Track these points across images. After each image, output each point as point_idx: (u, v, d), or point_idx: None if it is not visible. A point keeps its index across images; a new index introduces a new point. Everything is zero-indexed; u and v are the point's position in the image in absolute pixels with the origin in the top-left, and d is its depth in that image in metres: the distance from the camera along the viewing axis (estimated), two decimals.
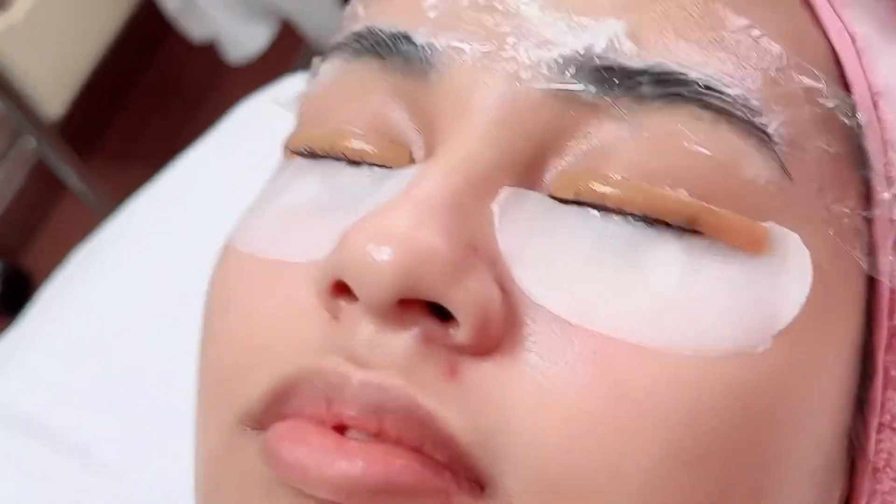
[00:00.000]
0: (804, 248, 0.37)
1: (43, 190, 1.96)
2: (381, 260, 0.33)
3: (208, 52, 1.82)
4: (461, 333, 0.34)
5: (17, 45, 1.37)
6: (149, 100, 2.04)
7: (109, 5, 1.51)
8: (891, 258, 0.39)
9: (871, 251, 0.39)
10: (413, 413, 0.34)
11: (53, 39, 1.43)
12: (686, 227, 0.36)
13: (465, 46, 0.38)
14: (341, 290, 0.35)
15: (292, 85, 0.78)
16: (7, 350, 0.71)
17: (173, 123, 1.93)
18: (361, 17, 0.42)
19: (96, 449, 0.62)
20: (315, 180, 0.41)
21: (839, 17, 0.41)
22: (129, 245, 0.72)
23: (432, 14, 0.39)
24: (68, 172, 1.52)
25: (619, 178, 0.36)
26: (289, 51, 1.80)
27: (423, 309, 0.34)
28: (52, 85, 1.45)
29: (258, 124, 0.76)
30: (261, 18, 1.66)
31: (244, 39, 1.67)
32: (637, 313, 0.35)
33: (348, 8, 0.50)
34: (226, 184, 0.72)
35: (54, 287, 0.74)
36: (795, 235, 0.37)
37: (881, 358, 0.40)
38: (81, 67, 1.49)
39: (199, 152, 0.78)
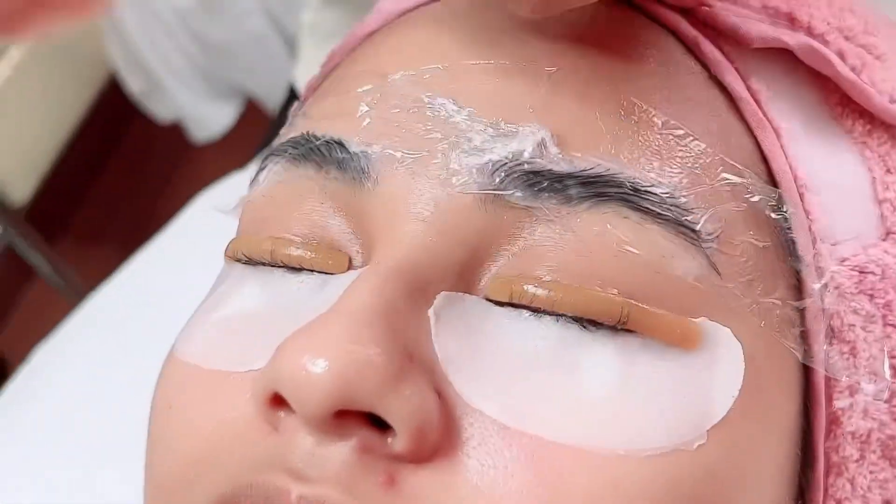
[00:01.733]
0: (736, 341, 0.37)
1: (13, 275, 1.95)
2: (316, 373, 0.33)
3: (175, 131, 1.83)
4: (398, 442, 0.34)
5: None
6: (116, 181, 2.04)
7: (73, 89, 1.52)
8: (825, 347, 0.39)
9: (805, 340, 0.40)
10: None
11: (17, 125, 1.44)
12: (618, 327, 0.36)
13: (398, 154, 0.39)
14: (279, 401, 0.35)
15: (238, 183, 0.79)
16: None
17: (142, 204, 1.93)
18: (299, 125, 0.43)
19: None
20: (255, 288, 0.41)
21: (763, 112, 0.41)
22: (91, 341, 0.72)
23: (366, 122, 0.40)
24: (37, 258, 1.52)
25: (551, 279, 0.37)
26: (256, 126, 1.81)
27: (360, 419, 0.35)
28: (18, 170, 1.45)
29: (213, 219, 0.77)
30: (225, 97, 1.67)
31: (209, 118, 1.68)
32: (572, 415, 0.35)
33: (290, 115, 0.50)
34: (183, 279, 0.72)
35: (18, 381, 0.74)
36: (727, 329, 0.37)
37: (821, 444, 0.40)
38: (47, 151, 1.50)
39: (158, 245, 0.78)
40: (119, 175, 2.04)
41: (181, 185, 1.85)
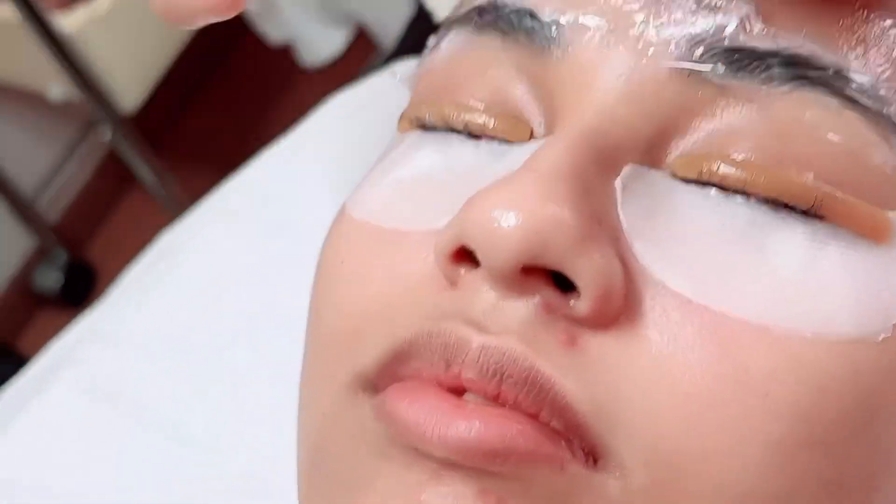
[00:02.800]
0: None
1: (111, 184, 1.98)
2: (508, 225, 0.33)
3: (281, 55, 1.84)
4: (582, 304, 0.34)
5: (99, 37, 1.39)
6: (221, 99, 2.07)
7: None
8: None
9: None
10: (532, 379, 0.34)
11: (134, 34, 1.45)
12: (809, 212, 0.36)
13: (592, 23, 0.38)
14: (462, 257, 0.35)
15: (372, 86, 0.78)
16: (94, 323, 0.71)
17: (244, 125, 1.95)
18: None
19: (183, 421, 0.63)
20: (434, 152, 0.41)
21: None
22: (220, 230, 0.73)
23: None
24: (140, 165, 1.54)
25: (743, 159, 0.36)
26: (361, 56, 1.82)
27: (544, 278, 0.34)
28: (130, 79, 1.47)
29: (343, 122, 0.77)
30: (337, 24, 1.68)
31: (320, 44, 1.69)
32: (758, 294, 0.35)
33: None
34: (312, 178, 0.73)
35: (141, 267, 0.74)
36: None
37: None
38: (159, 63, 1.51)
39: (288, 144, 0.78)
40: (224, 93, 2.06)
41: (283, 108, 1.87)
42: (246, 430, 0.62)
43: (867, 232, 0.36)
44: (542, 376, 0.34)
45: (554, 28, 0.39)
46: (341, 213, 0.43)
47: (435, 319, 0.36)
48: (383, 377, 0.37)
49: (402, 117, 0.44)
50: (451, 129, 0.41)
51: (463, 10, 0.43)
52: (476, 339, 0.34)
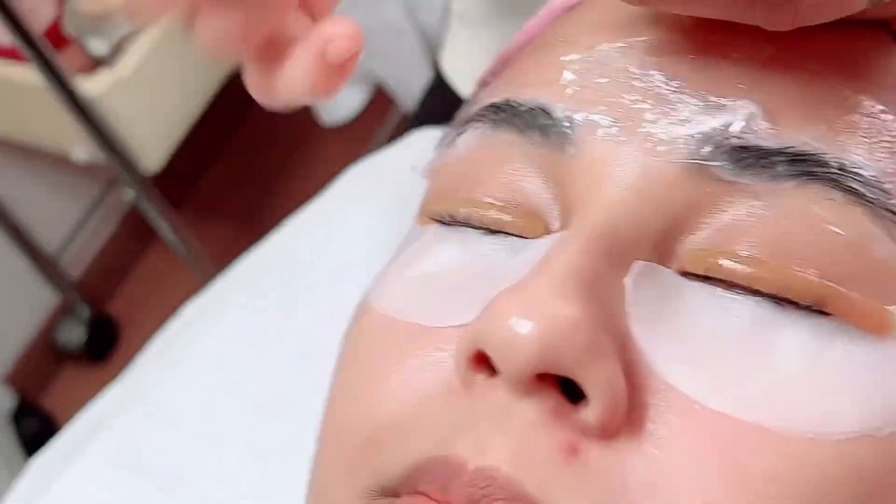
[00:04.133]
0: None
1: (133, 240, 2.01)
2: (523, 334, 0.34)
3: (300, 113, 1.87)
4: (591, 412, 0.35)
5: (123, 99, 1.42)
6: (241, 157, 2.09)
7: (209, 65, 1.56)
8: None
9: None
10: (517, 498, 0.34)
11: (156, 97, 1.48)
12: (813, 308, 0.37)
13: (603, 121, 0.40)
14: (480, 361, 0.36)
15: (387, 158, 0.80)
16: (122, 394, 0.73)
17: (263, 182, 1.97)
18: (499, 92, 0.44)
19: (207, 495, 0.64)
20: (453, 247, 0.43)
21: None
22: (245, 300, 0.74)
23: (570, 90, 0.41)
24: (161, 224, 1.56)
25: (749, 255, 0.37)
26: (379, 116, 1.83)
27: (554, 384, 0.35)
28: (152, 140, 1.49)
29: (362, 191, 0.78)
30: (357, 83, 1.69)
31: (340, 103, 1.70)
32: (761, 394, 0.36)
33: (480, 81, 0.52)
34: (332, 247, 0.74)
35: (167, 337, 0.76)
36: None
37: None
38: (180, 124, 1.53)
39: (309, 213, 0.80)
40: (244, 152, 2.09)
41: (302, 166, 1.89)
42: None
43: (871, 327, 0.37)
44: (527, 497, 0.34)
45: (567, 125, 0.40)
46: (363, 306, 0.44)
47: (443, 442, 0.36)
48: (397, 489, 0.38)
49: (421, 211, 0.46)
50: (470, 225, 0.42)
51: (478, 106, 0.45)
52: (472, 463, 0.35)
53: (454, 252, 0.42)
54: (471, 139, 0.44)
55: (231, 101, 1.82)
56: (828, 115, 0.39)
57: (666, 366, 0.36)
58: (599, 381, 0.34)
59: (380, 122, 1.81)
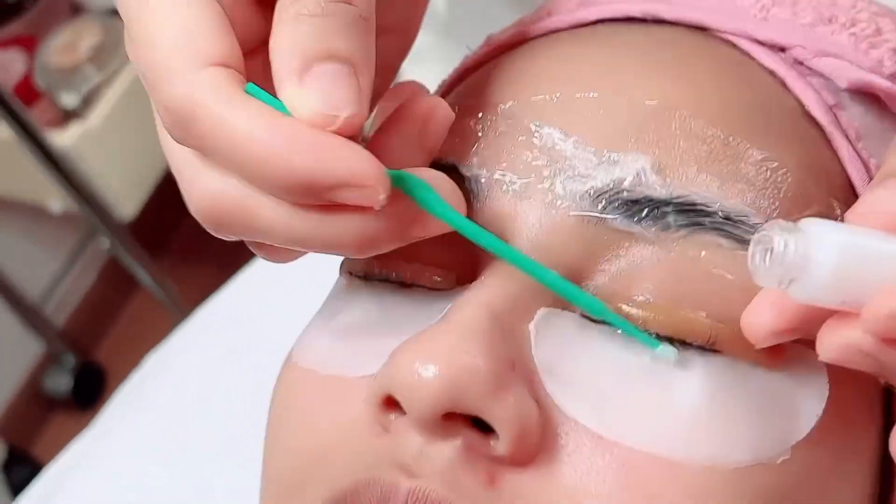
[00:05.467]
0: (820, 362, 0.39)
1: (115, 287, 2.02)
2: (427, 377, 0.36)
3: None
4: (501, 445, 0.37)
5: (93, 150, 1.44)
6: None
7: None
8: None
9: None
10: None
11: (127, 146, 1.49)
12: (706, 347, 0.39)
13: (506, 178, 0.42)
14: (391, 404, 0.38)
15: None
16: (82, 452, 0.74)
17: None
18: None
19: None
20: (369, 301, 0.44)
21: (853, 146, 0.44)
22: (200, 351, 0.76)
23: (476, 148, 0.43)
24: (140, 271, 1.57)
25: (644, 300, 0.39)
26: None
27: (465, 422, 0.37)
28: (125, 188, 1.51)
29: None
30: None
31: None
32: (662, 428, 0.38)
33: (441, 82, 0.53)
34: (287, 295, 0.76)
35: (126, 392, 0.78)
36: (811, 351, 0.39)
37: None
38: (153, 171, 1.55)
39: (264, 263, 0.82)
40: None
41: None
42: None
43: (762, 361, 0.39)
44: None
45: (474, 182, 0.42)
46: (288, 361, 0.46)
47: (369, 468, 0.39)
48: None
49: (342, 267, 0.47)
50: (386, 279, 0.44)
51: None
52: (404, 485, 0.37)
53: (370, 305, 0.44)
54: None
55: None
56: (715, 165, 0.41)
57: (572, 404, 0.38)
58: (504, 416, 0.36)
59: None
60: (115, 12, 1.55)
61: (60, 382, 1.92)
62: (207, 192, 0.36)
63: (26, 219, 1.85)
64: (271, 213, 0.36)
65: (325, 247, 0.36)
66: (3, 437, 1.83)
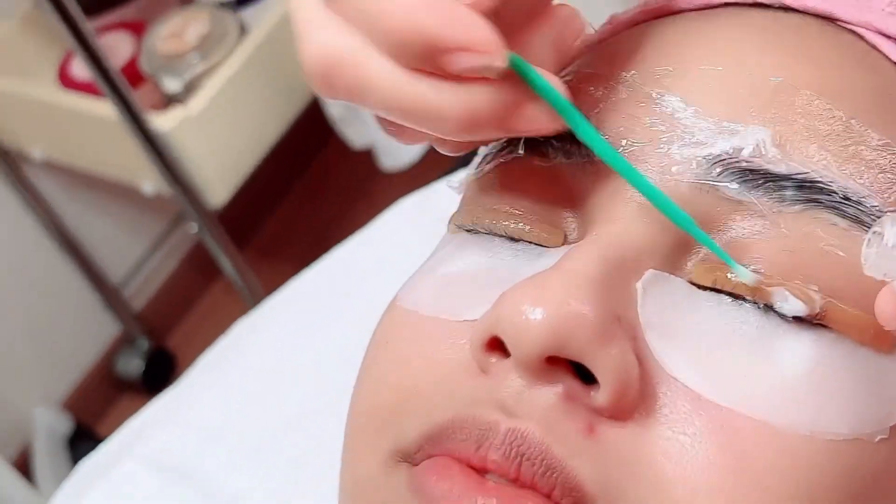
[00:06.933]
0: None
1: (195, 276, 2.05)
2: (535, 319, 0.37)
3: (362, 158, 1.91)
4: (601, 396, 0.37)
5: (192, 136, 1.46)
6: (303, 200, 2.14)
7: (278, 108, 1.59)
8: None
9: None
10: (548, 462, 0.37)
11: (224, 135, 1.52)
12: (815, 321, 0.39)
13: (623, 141, 0.42)
14: (494, 346, 0.39)
15: (438, 190, 0.83)
16: (166, 404, 0.76)
17: (324, 225, 2.01)
18: None
19: (245, 500, 0.67)
20: (476, 253, 0.45)
21: None
22: (290, 319, 0.78)
23: (595, 112, 0.44)
24: (224, 259, 1.60)
25: (755, 270, 0.40)
26: (439, 161, 1.85)
27: (567, 369, 0.38)
28: (219, 176, 1.53)
29: (409, 222, 0.82)
30: None
31: (399, 150, 1.74)
32: (763, 394, 0.38)
33: None
34: (380, 271, 0.77)
35: (215, 353, 0.79)
36: None
37: None
38: (246, 163, 1.57)
39: (359, 240, 0.83)
40: (306, 194, 2.14)
41: (362, 210, 1.92)
42: None
43: (869, 341, 0.39)
44: (557, 460, 0.37)
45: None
46: (392, 303, 0.47)
47: (469, 405, 0.39)
48: (420, 453, 0.40)
49: (451, 220, 0.48)
50: (493, 234, 0.45)
51: None
52: (504, 423, 0.38)
53: (478, 257, 0.45)
54: (501, 158, 0.47)
55: (296, 145, 1.87)
56: (835, 145, 0.41)
57: (674, 363, 0.39)
58: (608, 366, 0.37)
59: (439, 168, 1.84)
60: (223, 4, 1.59)
61: (132, 365, 1.96)
62: (323, 43, 0.37)
63: (118, 199, 1.89)
64: (382, 72, 0.36)
65: (427, 118, 0.36)
66: (71, 414, 1.87)
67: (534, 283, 0.38)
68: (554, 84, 0.37)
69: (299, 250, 1.96)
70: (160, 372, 1.97)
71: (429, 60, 0.35)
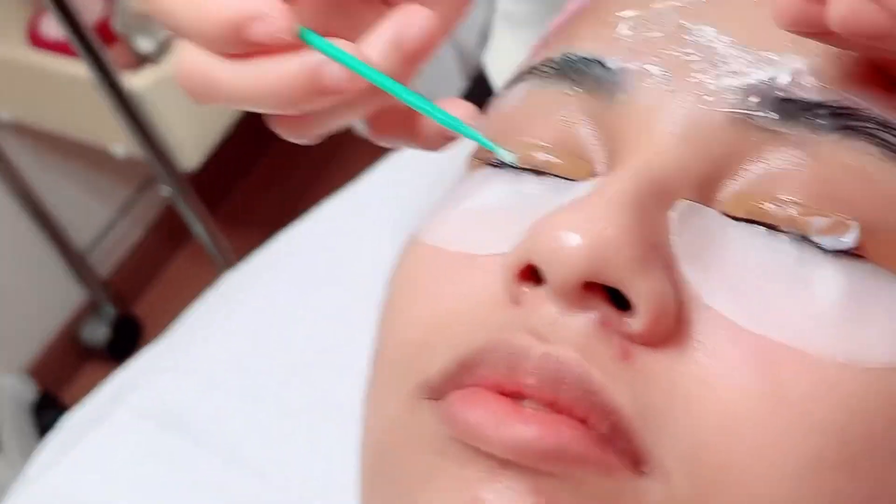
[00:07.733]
0: None
1: (163, 241, 2.03)
2: (571, 244, 0.36)
3: None
4: (637, 322, 0.37)
5: (165, 96, 1.44)
6: (274, 165, 2.11)
7: None
8: None
9: None
10: (585, 385, 0.37)
11: None
12: (851, 251, 0.39)
13: (655, 70, 0.42)
14: (527, 276, 0.38)
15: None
16: (160, 353, 0.75)
17: (297, 189, 1.99)
18: (553, 47, 0.46)
19: (239, 448, 0.66)
20: (502, 186, 0.44)
21: None
22: (286, 268, 0.77)
23: (624, 43, 0.43)
24: (196, 223, 1.57)
25: (790, 200, 0.39)
26: None
27: (602, 296, 0.37)
28: (192, 139, 1.51)
29: (391, 187, 0.81)
30: None
31: None
32: (799, 322, 0.38)
33: (535, 46, 0.54)
34: (364, 229, 0.77)
35: (206, 303, 0.78)
36: None
37: None
38: (219, 125, 1.56)
39: (341, 198, 0.82)
40: (278, 159, 2.11)
41: (332, 175, 1.91)
42: (296, 461, 0.65)
43: None
44: (595, 384, 0.37)
45: (620, 74, 0.42)
46: (412, 241, 0.46)
47: (501, 330, 0.39)
48: (447, 386, 0.39)
49: (472, 156, 0.48)
50: (520, 166, 0.44)
51: (534, 61, 0.47)
52: (538, 348, 0.37)
53: (503, 190, 0.44)
54: (524, 89, 0.46)
55: None
56: (871, 75, 0.40)
57: (709, 291, 0.38)
58: (645, 291, 0.37)
59: None
60: None
61: (98, 333, 1.93)
62: (180, 60, 0.41)
63: (84, 163, 1.86)
64: (218, 70, 0.40)
65: (258, 96, 0.40)
66: (36, 380, 1.84)
67: (570, 209, 0.38)
68: (338, 44, 0.39)
69: (272, 213, 1.94)
70: (126, 339, 1.94)
71: (239, 43, 0.39)
